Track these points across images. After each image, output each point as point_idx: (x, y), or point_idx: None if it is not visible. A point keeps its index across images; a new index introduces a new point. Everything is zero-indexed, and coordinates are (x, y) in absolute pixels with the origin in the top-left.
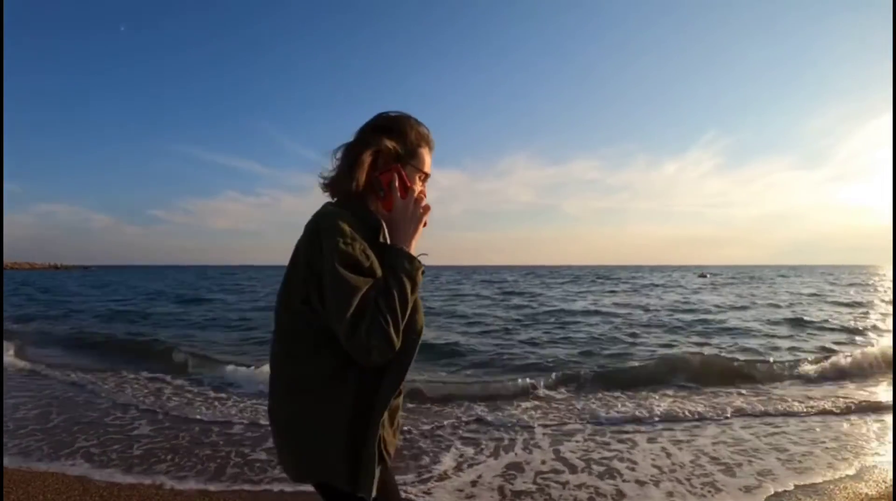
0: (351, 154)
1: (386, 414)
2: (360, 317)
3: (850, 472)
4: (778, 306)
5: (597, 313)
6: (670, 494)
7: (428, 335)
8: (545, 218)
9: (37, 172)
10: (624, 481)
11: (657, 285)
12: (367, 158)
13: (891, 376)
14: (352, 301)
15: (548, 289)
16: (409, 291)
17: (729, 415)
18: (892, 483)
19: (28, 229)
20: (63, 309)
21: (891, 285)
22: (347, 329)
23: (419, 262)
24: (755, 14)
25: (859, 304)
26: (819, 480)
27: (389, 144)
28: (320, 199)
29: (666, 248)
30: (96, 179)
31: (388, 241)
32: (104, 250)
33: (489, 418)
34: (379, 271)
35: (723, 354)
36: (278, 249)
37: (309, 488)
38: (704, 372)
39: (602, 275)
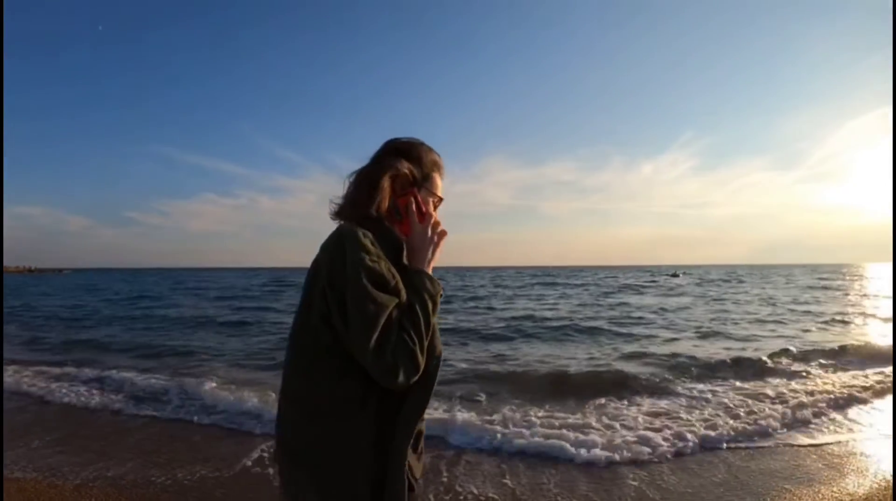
0: (370, 178)
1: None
2: (386, 337)
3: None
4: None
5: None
6: None
7: None
8: (523, 219)
9: (11, 174)
10: None
11: (628, 286)
12: (387, 182)
13: None
14: (379, 320)
15: (498, 294)
16: (431, 312)
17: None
18: (892, 483)
19: None
20: None
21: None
22: (374, 350)
23: (440, 284)
24: (731, 17)
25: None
26: None
27: (407, 167)
28: (298, 201)
29: (644, 248)
30: (71, 180)
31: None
32: (80, 253)
33: None
34: (403, 292)
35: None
36: (255, 252)
37: (190, 477)
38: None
39: (571, 276)
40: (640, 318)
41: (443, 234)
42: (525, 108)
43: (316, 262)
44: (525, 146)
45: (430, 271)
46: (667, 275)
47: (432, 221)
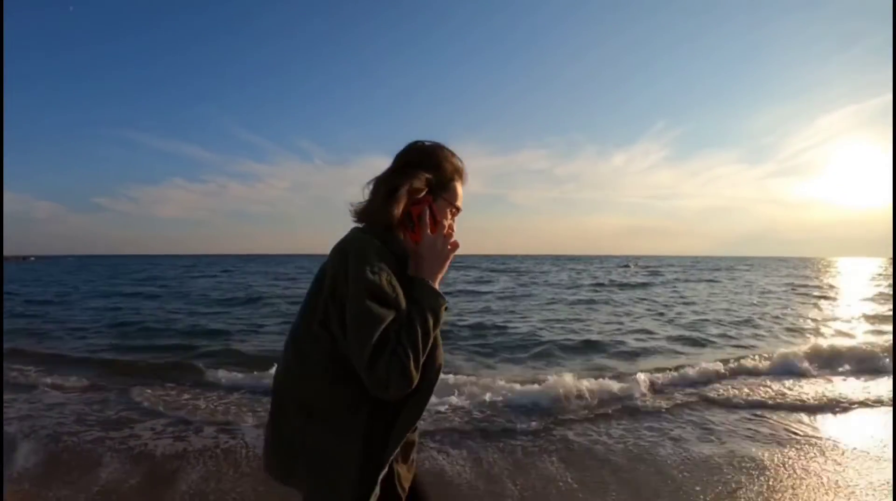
0: (386, 186)
1: (399, 449)
2: (380, 350)
3: None
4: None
5: None
6: None
7: None
8: (493, 208)
9: None
10: None
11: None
12: (403, 193)
13: None
14: (374, 333)
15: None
16: (431, 326)
17: None
18: (892, 483)
19: None
20: None
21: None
22: (367, 362)
23: (444, 298)
24: (704, 11)
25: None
26: None
27: (424, 177)
28: (267, 186)
29: (614, 238)
30: (38, 166)
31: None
32: (48, 240)
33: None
34: (403, 304)
35: None
36: (225, 237)
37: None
38: None
39: (511, 266)
40: None
41: (454, 246)
42: (496, 94)
43: (323, 267)
44: (496, 133)
45: (435, 284)
46: (619, 267)
47: (444, 231)
